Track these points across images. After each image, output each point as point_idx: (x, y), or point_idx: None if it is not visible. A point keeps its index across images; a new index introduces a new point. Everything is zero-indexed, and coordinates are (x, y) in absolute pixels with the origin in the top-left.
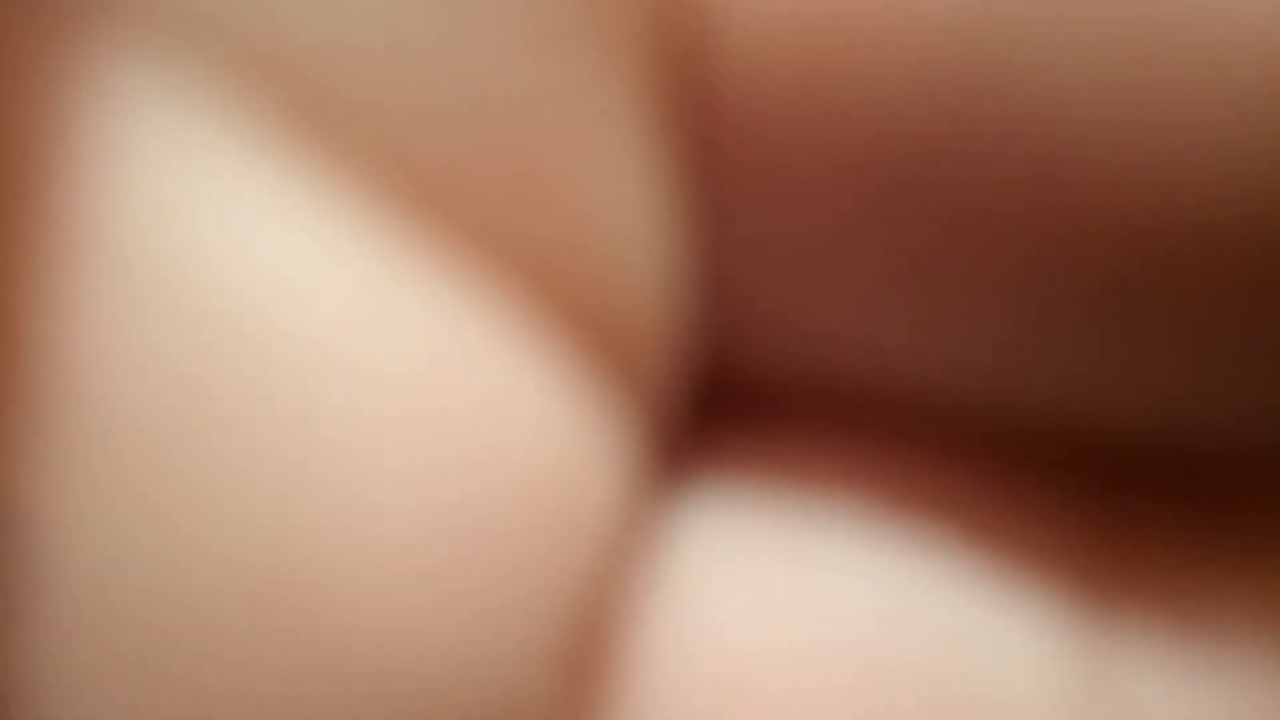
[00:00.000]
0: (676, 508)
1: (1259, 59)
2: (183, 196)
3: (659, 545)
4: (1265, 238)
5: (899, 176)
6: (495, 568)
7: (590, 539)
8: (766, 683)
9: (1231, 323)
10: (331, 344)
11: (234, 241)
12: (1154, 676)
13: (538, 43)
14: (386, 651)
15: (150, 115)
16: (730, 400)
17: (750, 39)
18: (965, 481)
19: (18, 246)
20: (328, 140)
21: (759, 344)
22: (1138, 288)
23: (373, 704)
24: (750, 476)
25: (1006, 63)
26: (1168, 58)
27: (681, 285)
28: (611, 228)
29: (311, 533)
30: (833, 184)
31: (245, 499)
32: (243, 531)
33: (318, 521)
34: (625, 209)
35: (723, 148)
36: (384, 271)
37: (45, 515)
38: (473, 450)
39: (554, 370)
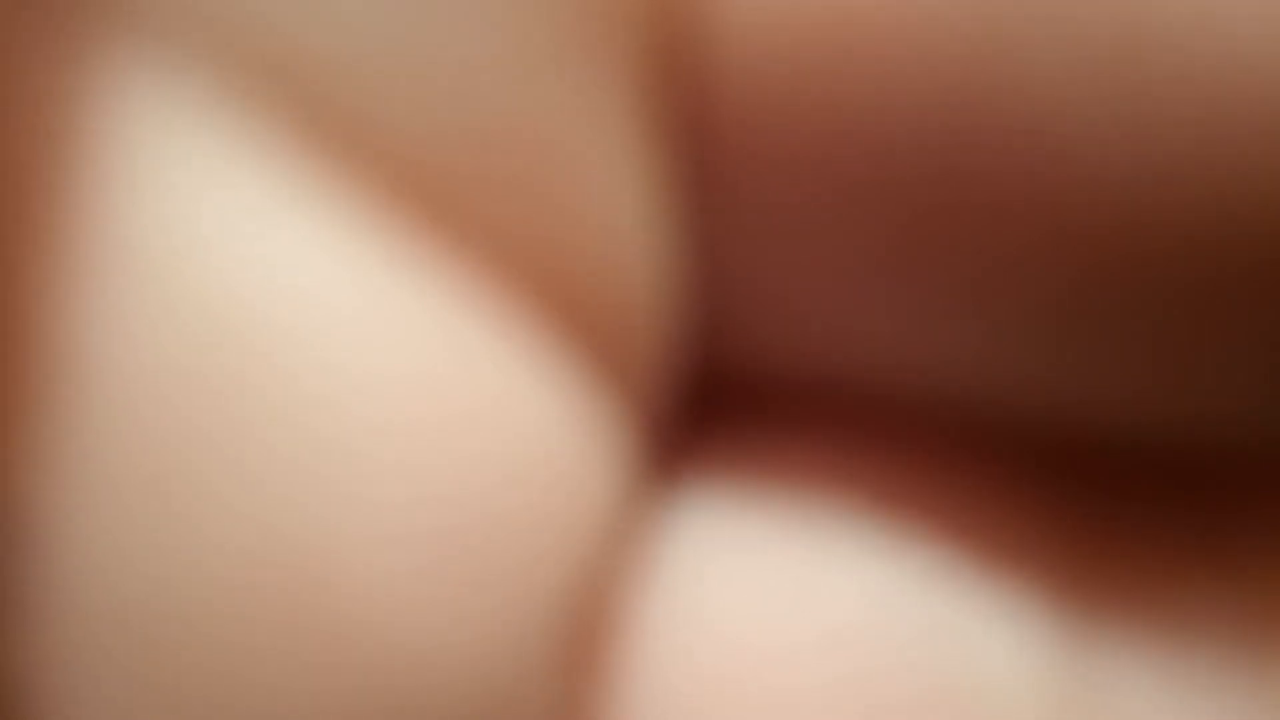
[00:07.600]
0: (671, 505)
1: (1245, 70)
2: (189, 200)
3: (653, 542)
4: (1247, 241)
5: (893, 171)
6: (492, 565)
7: (586, 536)
8: (759, 679)
9: (1217, 323)
10: (333, 345)
11: (239, 244)
12: (1133, 671)
13: (537, 48)
14: (385, 646)
15: (158, 120)
16: (722, 398)
17: (746, 33)
18: (951, 479)
19: (26, 248)
20: (329, 146)
21: (752, 342)
22: (1125, 287)
23: (371, 697)
24: (743, 474)
25: (999, 61)
26: (1157, 63)
27: (675, 284)
28: (607, 227)
29: (311, 528)
30: (825, 179)
31: (246, 495)
32: (244, 527)
33: (317, 517)
34: (621, 208)
35: (717, 145)
36: (383, 273)
37: (49, 511)
38: (470, 449)
39: (550, 369)
